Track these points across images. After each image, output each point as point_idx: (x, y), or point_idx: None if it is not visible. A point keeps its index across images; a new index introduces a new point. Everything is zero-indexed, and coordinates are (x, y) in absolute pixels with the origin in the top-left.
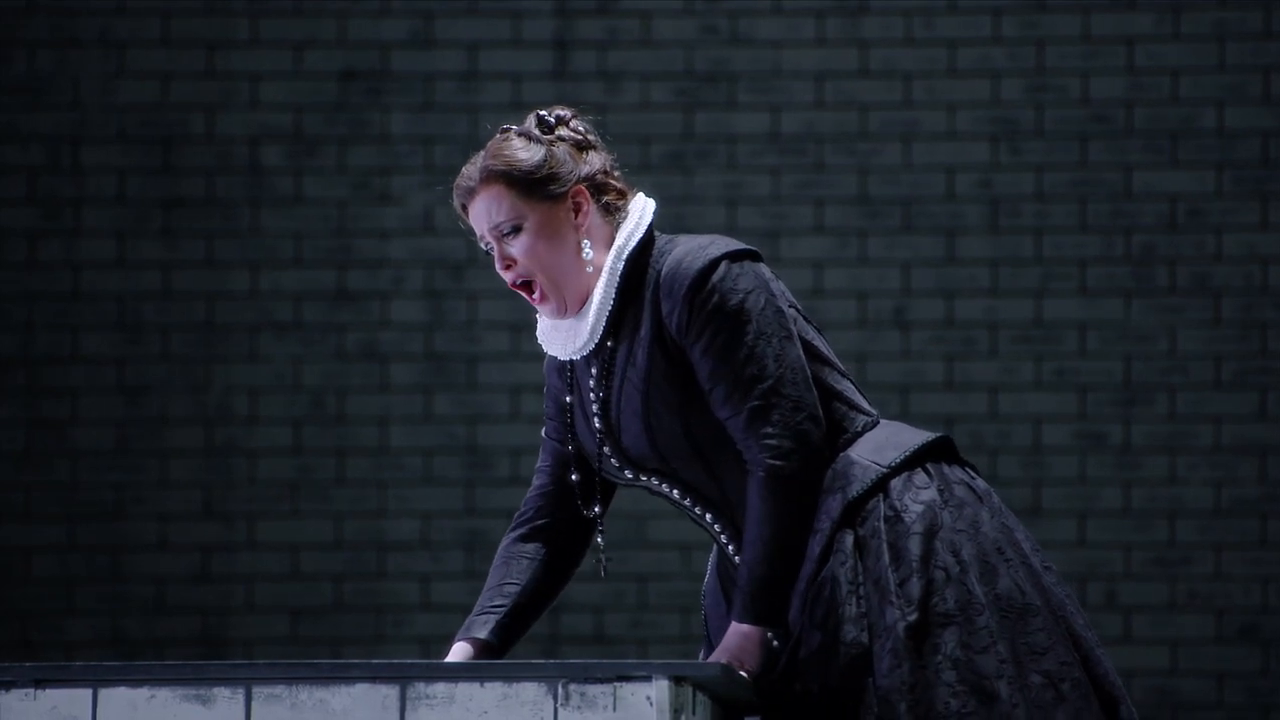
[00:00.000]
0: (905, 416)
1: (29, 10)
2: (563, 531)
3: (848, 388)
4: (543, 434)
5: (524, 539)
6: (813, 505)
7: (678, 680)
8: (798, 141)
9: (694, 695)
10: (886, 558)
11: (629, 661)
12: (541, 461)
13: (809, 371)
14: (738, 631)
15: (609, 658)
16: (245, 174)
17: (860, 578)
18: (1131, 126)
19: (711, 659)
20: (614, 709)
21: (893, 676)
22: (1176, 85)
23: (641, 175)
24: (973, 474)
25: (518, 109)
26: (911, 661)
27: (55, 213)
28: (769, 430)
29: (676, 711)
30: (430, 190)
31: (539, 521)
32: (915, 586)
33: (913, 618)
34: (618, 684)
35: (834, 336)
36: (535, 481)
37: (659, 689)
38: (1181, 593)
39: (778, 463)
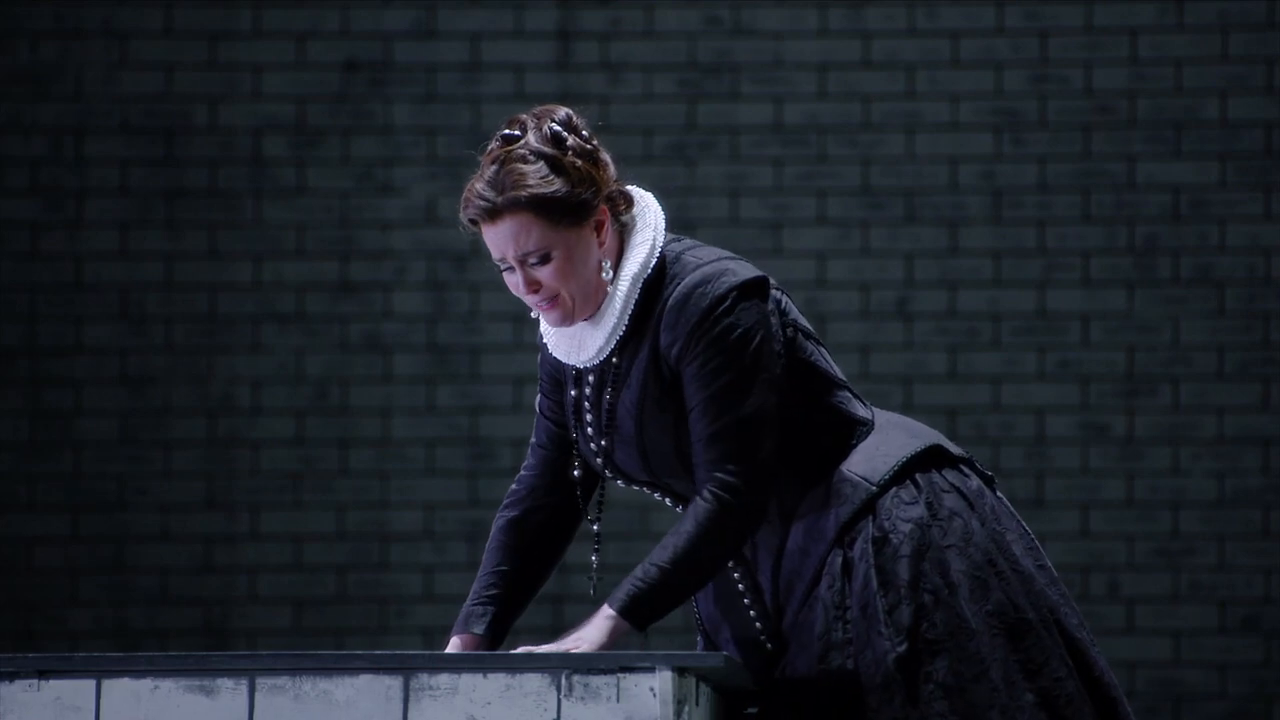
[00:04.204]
0: (908, 408)
1: (31, 0)
2: (556, 511)
3: (845, 399)
4: (536, 408)
5: (518, 519)
6: (734, 550)
7: (681, 671)
8: (800, 133)
9: (697, 686)
10: (875, 583)
11: (632, 653)
12: (535, 438)
13: (778, 423)
14: (605, 614)
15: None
16: (248, 165)
17: (848, 601)
18: (1135, 117)
19: (562, 638)
20: (617, 700)
21: (883, 713)
22: (1180, 76)
23: (644, 167)
24: (966, 472)
25: (520, 100)
26: (903, 694)
27: (58, 204)
28: (728, 465)
29: (680, 702)
30: (433, 181)
31: (531, 502)
32: (905, 614)
33: (902, 649)
34: (621, 675)
35: (836, 328)
36: (529, 459)
37: (662, 680)
38: (1184, 584)
39: (724, 496)
